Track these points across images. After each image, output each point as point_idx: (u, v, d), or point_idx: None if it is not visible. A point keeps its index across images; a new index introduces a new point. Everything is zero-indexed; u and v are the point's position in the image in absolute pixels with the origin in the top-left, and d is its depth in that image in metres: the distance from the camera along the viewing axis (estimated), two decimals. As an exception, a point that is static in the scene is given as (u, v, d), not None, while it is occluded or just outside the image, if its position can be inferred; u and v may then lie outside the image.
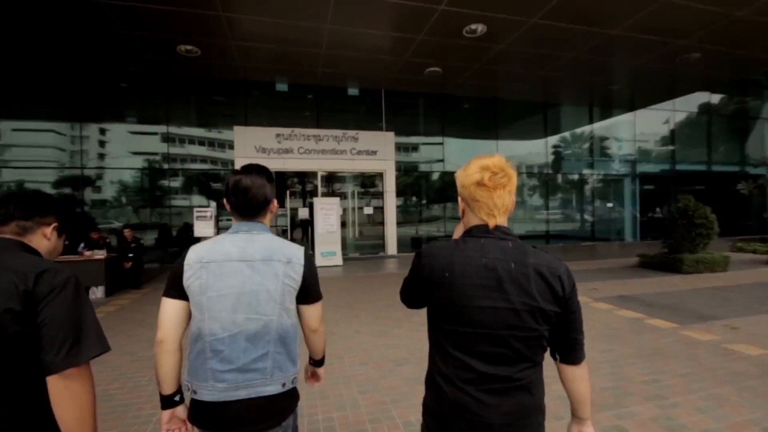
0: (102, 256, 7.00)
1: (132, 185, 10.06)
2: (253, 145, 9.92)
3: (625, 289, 6.91)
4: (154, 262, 9.34)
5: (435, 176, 12.52)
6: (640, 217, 13.87)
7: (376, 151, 10.79)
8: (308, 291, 1.35)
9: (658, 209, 14.15)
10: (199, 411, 1.23)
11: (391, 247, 11.00)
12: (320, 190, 10.82)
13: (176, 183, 10.36)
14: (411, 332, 4.61)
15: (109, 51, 8.02)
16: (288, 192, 11.20)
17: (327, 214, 9.81)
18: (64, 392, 1.01)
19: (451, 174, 10.94)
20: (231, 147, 10.14)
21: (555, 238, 13.06)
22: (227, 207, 1.36)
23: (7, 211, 1.15)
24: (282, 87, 10.64)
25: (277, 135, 10.11)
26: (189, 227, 9.44)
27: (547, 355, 1.14)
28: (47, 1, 6.03)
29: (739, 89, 14.75)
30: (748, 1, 6.52)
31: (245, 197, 1.31)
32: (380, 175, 11.23)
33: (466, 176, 1.15)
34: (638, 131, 13.76)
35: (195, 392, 1.21)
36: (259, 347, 1.22)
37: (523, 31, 7.36)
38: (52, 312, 1.01)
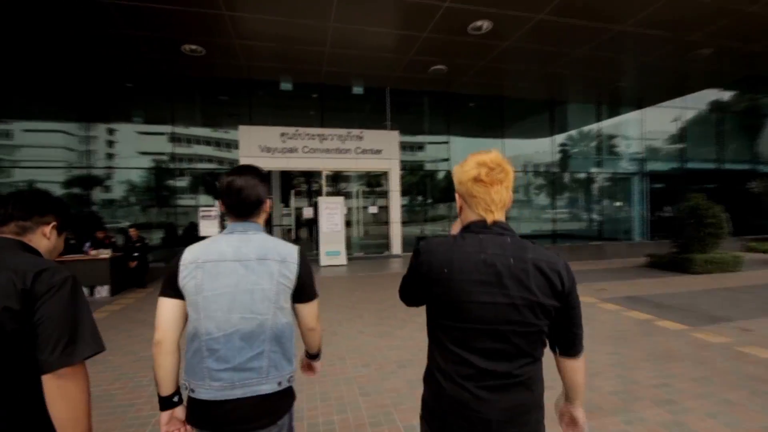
0: (107, 256, 7.04)
1: (138, 185, 10.13)
2: (257, 145, 9.92)
3: (633, 290, 6.79)
4: (161, 261, 9.41)
5: (440, 175, 12.44)
6: (649, 217, 13.67)
7: (380, 150, 10.73)
8: (303, 290, 1.35)
9: (667, 208, 13.93)
10: (196, 410, 1.24)
11: (396, 246, 10.94)
12: (325, 189, 10.79)
13: (182, 182, 10.41)
14: (414, 333, 4.55)
15: (115, 51, 8.06)
16: (293, 191, 11.19)
17: (331, 213, 9.79)
18: (57, 391, 1.01)
19: (457, 173, 10.84)
20: (236, 146, 10.15)
21: (562, 237, 12.89)
22: (221, 208, 1.38)
23: (6, 212, 1.16)
24: (286, 86, 10.63)
25: (282, 134, 10.09)
26: (194, 226, 9.48)
27: (547, 350, 1.15)
28: (53, 2, 6.06)
29: (750, 86, 14.44)
30: (761, -5, 6.37)
31: (239, 197, 1.32)
32: (385, 174, 11.16)
33: (462, 172, 1.14)
34: (647, 129, 13.54)
35: (192, 390, 1.23)
36: (255, 346, 1.23)
37: (529, 27, 7.26)
38: (48, 311, 1.02)
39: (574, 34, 7.58)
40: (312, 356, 1.58)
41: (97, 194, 9.86)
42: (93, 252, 7.13)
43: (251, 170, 1.38)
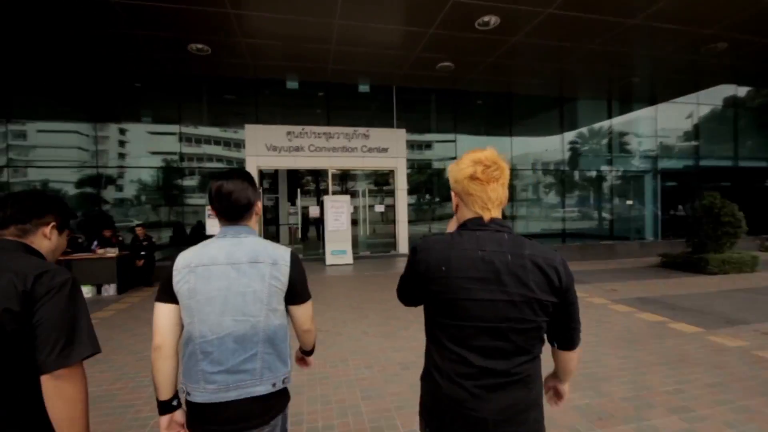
0: (114, 254, 7.08)
1: (148, 184, 10.20)
2: (264, 143, 9.91)
3: (646, 291, 6.62)
4: (168, 260, 9.43)
5: (447, 174, 12.30)
6: (662, 215, 13.38)
7: (387, 149, 10.66)
8: (295, 292, 1.36)
9: (680, 207, 13.61)
10: (193, 413, 1.26)
11: (403, 245, 10.86)
12: (331, 188, 10.75)
13: (190, 181, 10.46)
14: (419, 334, 4.46)
15: (122, 51, 8.10)
16: (299, 190, 11.18)
17: (337, 212, 9.74)
18: (55, 391, 1.03)
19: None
20: (243, 145, 10.15)
21: (571, 236, 12.68)
22: (212, 213, 1.39)
23: (5, 215, 1.17)
24: (292, 85, 10.60)
25: (288, 133, 10.08)
26: (202, 225, 9.52)
27: (546, 348, 1.15)
28: (61, 2, 6.09)
29: (767, 81, 14.04)
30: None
31: (228, 201, 1.34)
32: (392, 173, 11.08)
33: (458, 171, 1.16)
34: (660, 126, 13.22)
35: (189, 393, 1.25)
36: (248, 348, 1.25)
37: (538, 22, 7.10)
38: (47, 312, 1.03)
39: (585, 28, 7.40)
40: (306, 352, 1.60)
41: (108, 193, 9.94)
42: (100, 251, 7.18)
43: (240, 174, 1.39)
